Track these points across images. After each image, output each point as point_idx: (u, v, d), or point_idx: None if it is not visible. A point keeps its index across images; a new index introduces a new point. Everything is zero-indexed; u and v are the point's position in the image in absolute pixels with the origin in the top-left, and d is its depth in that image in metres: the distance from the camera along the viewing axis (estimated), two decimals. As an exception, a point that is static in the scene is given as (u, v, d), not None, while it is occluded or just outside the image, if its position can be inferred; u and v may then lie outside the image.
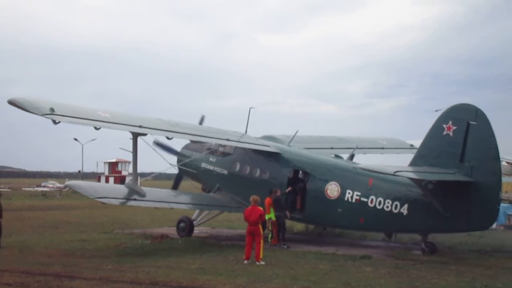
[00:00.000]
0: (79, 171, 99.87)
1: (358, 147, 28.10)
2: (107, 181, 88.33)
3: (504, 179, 22.94)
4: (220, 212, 26.99)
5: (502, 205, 23.76)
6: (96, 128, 20.58)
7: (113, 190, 23.61)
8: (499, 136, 19.26)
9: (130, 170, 47.15)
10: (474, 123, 19.22)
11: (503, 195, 23.42)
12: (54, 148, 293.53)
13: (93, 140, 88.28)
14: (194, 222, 26.24)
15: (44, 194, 71.37)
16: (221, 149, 27.08)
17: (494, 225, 25.49)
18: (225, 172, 26.65)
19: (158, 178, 39.14)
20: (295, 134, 27.17)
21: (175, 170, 29.77)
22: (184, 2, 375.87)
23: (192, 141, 28.03)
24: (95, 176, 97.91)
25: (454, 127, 19.61)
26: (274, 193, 23.04)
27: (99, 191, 21.86)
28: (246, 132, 26.65)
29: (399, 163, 25.30)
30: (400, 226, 21.18)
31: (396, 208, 20.85)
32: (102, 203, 22.50)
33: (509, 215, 30.66)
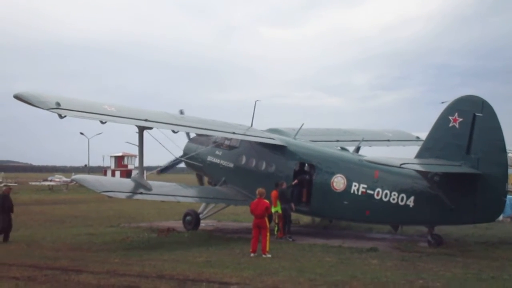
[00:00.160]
0: (85, 165, 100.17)
1: (364, 139, 28.07)
2: (113, 175, 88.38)
3: (511, 170, 22.82)
4: (226, 205, 27.01)
5: (509, 197, 23.68)
6: (102, 122, 20.59)
7: (119, 184, 23.65)
8: (506, 128, 19.23)
9: (136, 164, 47.24)
10: (480, 114, 19.15)
11: (510, 186, 23.31)
12: (60, 143, 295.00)
13: (99, 134, 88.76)
14: (201, 216, 26.27)
15: (50, 188, 71.52)
16: (227, 142, 27.07)
17: (500, 217, 25.45)
18: (231, 165, 26.65)
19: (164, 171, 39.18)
20: (301, 127, 27.12)
21: (181, 164, 29.82)
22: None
23: (198, 135, 28.04)
24: (101, 170, 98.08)
25: (460, 119, 19.56)
26: (280, 186, 23.04)
27: (105, 185, 21.89)
28: (251, 125, 26.63)
29: (405, 155, 25.38)
30: (406, 218, 21.16)
31: (402, 200, 20.81)
32: (109, 197, 22.55)
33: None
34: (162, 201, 26.28)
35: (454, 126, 19.71)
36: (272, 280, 14.49)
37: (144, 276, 14.90)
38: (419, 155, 20.68)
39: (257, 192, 19.29)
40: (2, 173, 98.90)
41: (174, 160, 29.70)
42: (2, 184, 52.81)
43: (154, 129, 22.59)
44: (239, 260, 17.44)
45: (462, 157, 19.29)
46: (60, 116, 19.30)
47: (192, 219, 25.90)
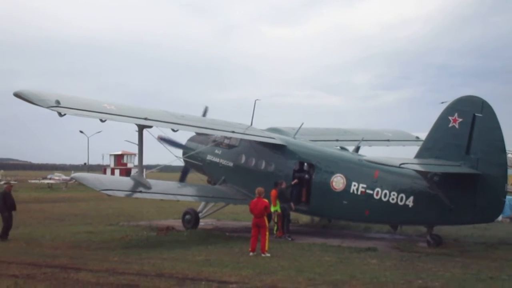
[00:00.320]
0: (85, 164, 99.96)
1: (364, 139, 28.07)
2: (112, 173, 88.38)
3: (510, 171, 22.83)
4: (225, 204, 27.01)
5: (508, 197, 23.64)
6: (101, 121, 20.59)
7: (118, 182, 23.67)
8: (505, 128, 19.23)
9: (136, 162, 47.20)
10: (480, 115, 19.15)
11: (509, 187, 23.29)
12: (60, 141, 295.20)
13: (99, 132, 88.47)
14: (200, 214, 26.27)
15: (50, 186, 71.52)
16: (226, 141, 27.07)
17: (500, 218, 25.47)
18: (231, 164, 26.65)
19: (164, 170, 39.20)
20: (301, 126, 27.13)
21: (180, 162, 29.80)
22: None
23: (198, 133, 28.03)
24: (101, 169, 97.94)
25: (460, 119, 19.55)
26: (279, 185, 23.04)
27: (104, 183, 21.88)
28: (251, 124, 26.63)
29: (404, 155, 25.36)
30: (406, 218, 21.15)
31: (401, 200, 20.81)
32: (108, 195, 22.61)
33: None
34: (162, 200, 26.30)
35: (454, 126, 19.70)
36: (271, 279, 14.49)
37: (143, 275, 14.89)
38: (418, 155, 20.67)
39: (256, 191, 19.31)
40: (2, 171, 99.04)
41: (183, 170, 29.81)
42: (3, 182, 52.77)
43: (153, 127, 22.60)
44: (238, 259, 17.45)
45: (462, 157, 19.28)
46: (60, 114, 19.28)
47: (192, 218, 25.90)
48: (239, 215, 31.64)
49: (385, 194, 21.20)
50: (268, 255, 18.20)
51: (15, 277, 14.70)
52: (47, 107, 19.07)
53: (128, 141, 28.30)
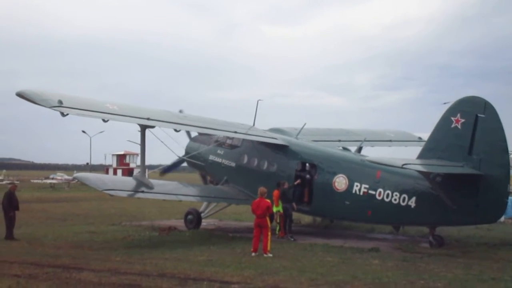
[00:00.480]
0: (87, 163, 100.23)
1: (366, 139, 28.08)
2: (115, 173, 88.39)
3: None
4: (228, 204, 27.02)
5: (510, 198, 23.64)
6: (104, 121, 20.59)
7: (121, 182, 23.67)
8: (508, 129, 19.19)
9: (138, 162, 47.23)
10: (483, 115, 19.12)
11: (511, 187, 23.30)
12: (62, 141, 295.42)
13: (101, 132, 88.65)
14: (202, 214, 26.29)
15: (52, 186, 71.63)
16: (229, 141, 27.07)
17: (502, 218, 25.50)
18: (233, 164, 26.65)
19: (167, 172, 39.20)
20: (303, 126, 27.13)
21: (184, 163, 29.85)
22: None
23: (200, 134, 28.04)
24: (103, 169, 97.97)
25: (463, 120, 19.52)
26: (282, 186, 23.03)
27: (107, 183, 21.89)
28: (253, 124, 26.63)
29: (407, 155, 25.33)
30: (408, 219, 21.13)
31: (404, 201, 20.79)
32: (110, 195, 22.62)
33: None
34: (164, 200, 26.30)
35: (456, 127, 19.66)
36: (273, 279, 14.49)
37: (145, 275, 14.90)
38: (421, 156, 20.63)
39: (259, 191, 19.29)
40: (4, 171, 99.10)
41: (176, 160, 29.72)
42: (5, 182, 52.87)
43: (156, 127, 22.61)
44: (240, 260, 17.44)
45: (464, 158, 19.24)
46: (62, 114, 19.27)
47: (194, 218, 25.93)
48: (241, 215, 31.64)
49: (388, 195, 21.18)
50: (270, 255, 18.20)
51: (17, 276, 14.71)
52: (50, 107, 19.07)
53: (131, 141, 28.29)
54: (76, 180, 48.15)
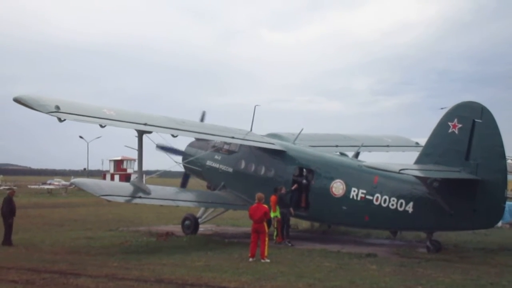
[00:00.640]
0: (85, 169, 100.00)
1: (363, 145, 28.06)
2: (112, 179, 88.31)
3: (510, 177, 22.81)
4: (225, 210, 26.97)
5: (508, 203, 23.67)
6: (101, 126, 20.58)
7: (118, 188, 23.66)
8: (505, 134, 19.23)
9: (136, 168, 47.20)
10: (480, 121, 19.16)
11: (509, 193, 23.32)
12: (60, 146, 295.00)
13: (99, 138, 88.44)
14: (199, 220, 26.26)
15: (49, 191, 71.53)
16: (226, 147, 27.07)
17: (499, 223, 25.47)
18: (230, 170, 26.64)
19: (164, 176, 39.20)
20: (300, 132, 27.14)
21: (180, 168, 29.80)
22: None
23: (197, 139, 28.03)
24: (101, 174, 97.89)
25: (460, 125, 19.55)
26: (279, 191, 23.03)
27: (104, 189, 21.88)
28: (251, 130, 26.64)
29: (404, 161, 25.33)
30: (405, 224, 21.13)
31: (401, 206, 20.80)
32: (108, 200, 22.57)
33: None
34: (161, 205, 26.27)
35: (453, 132, 19.69)
36: (271, 285, 14.49)
37: (142, 280, 14.88)
38: (418, 161, 20.66)
39: (256, 197, 19.30)
40: (1, 176, 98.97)
41: (184, 176, 29.81)
42: (2, 187, 52.78)
43: (153, 133, 22.60)
44: (237, 265, 17.43)
45: (461, 163, 19.27)
46: (60, 120, 19.25)
47: (191, 224, 25.90)
48: (238, 221, 31.61)
49: (385, 200, 21.20)
50: (268, 260, 18.18)
51: (14, 282, 14.70)
52: (47, 113, 19.04)
53: (128, 147, 28.32)
54: (74, 186, 48.21)
